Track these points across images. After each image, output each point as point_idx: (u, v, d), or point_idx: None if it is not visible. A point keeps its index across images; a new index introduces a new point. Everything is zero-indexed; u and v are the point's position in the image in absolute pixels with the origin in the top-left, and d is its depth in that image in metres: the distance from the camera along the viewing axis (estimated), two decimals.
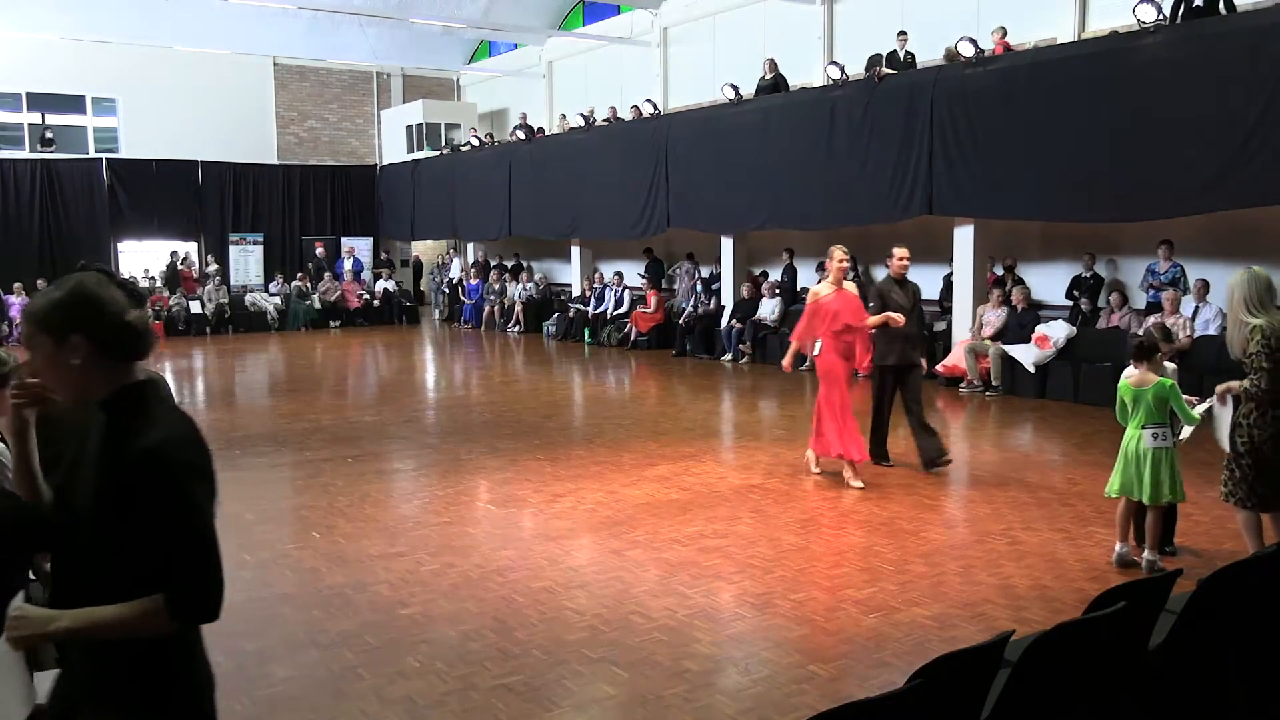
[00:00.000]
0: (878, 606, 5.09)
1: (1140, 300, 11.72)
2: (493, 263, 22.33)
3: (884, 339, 7.86)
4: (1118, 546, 5.71)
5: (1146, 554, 5.56)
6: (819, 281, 7.88)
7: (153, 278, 20.93)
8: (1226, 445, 5.27)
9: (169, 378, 14.90)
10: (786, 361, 7.95)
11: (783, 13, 17.43)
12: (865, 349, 7.76)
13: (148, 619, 2.06)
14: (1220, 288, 10.84)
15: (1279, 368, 4.99)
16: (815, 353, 7.76)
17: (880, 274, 14.92)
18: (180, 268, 21.71)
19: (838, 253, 7.70)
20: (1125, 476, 5.58)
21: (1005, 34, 12.76)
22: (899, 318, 7.61)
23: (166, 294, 20.51)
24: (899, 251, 8.09)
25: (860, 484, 7.44)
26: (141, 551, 2.05)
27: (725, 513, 6.86)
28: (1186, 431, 5.62)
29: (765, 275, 15.82)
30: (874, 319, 7.65)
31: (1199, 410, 5.57)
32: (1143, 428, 5.49)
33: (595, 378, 14.53)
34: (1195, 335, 10.58)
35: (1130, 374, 5.57)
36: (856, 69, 13.66)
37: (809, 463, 7.95)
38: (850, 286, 7.82)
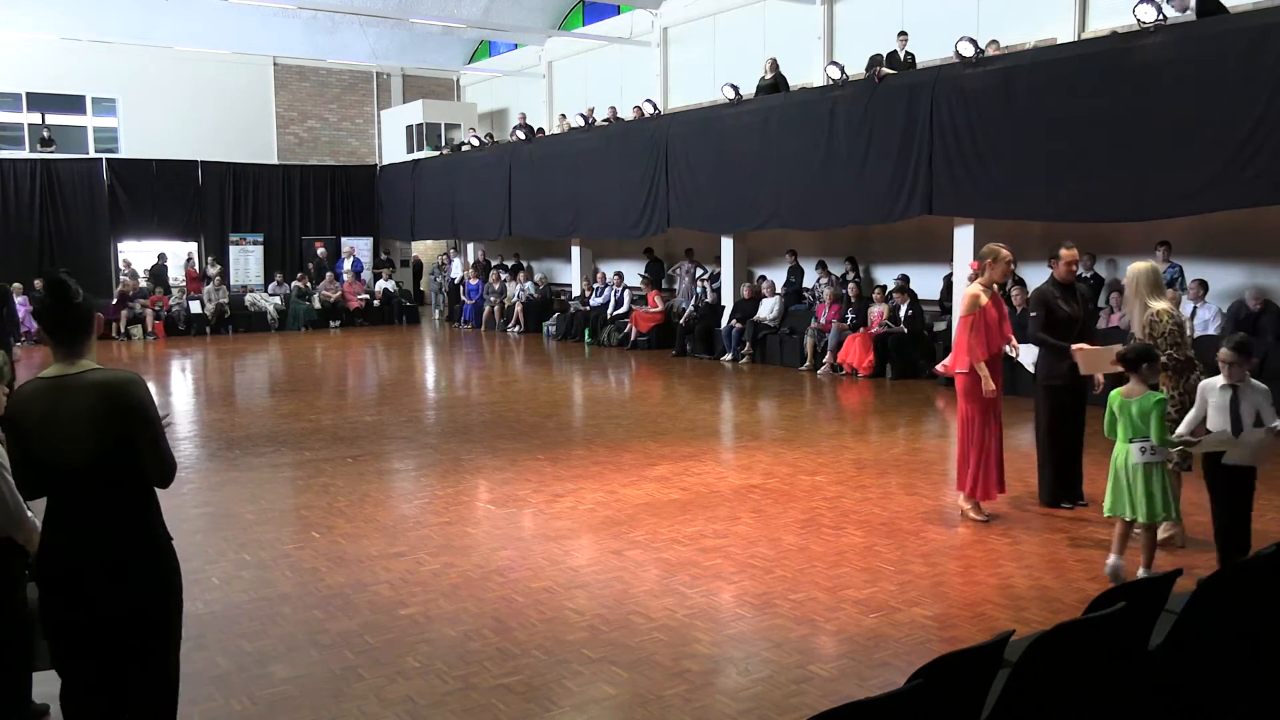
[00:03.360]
0: (878, 606, 5.09)
1: None
2: (493, 263, 22.33)
3: (1049, 354, 6.73)
4: (1111, 558, 5.40)
5: (1140, 572, 5.24)
6: (972, 282, 6.71)
7: (151, 277, 20.95)
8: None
9: (169, 377, 14.90)
10: (989, 387, 6.43)
11: (783, 13, 17.44)
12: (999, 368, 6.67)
13: None
14: (1219, 288, 10.89)
15: (1177, 344, 5.83)
16: (961, 369, 6.60)
17: (881, 275, 14.98)
18: (185, 267, 21.74)
19: (1005, 252, 6.57)
20: (1116, 494, 5.31)
21: (999, 47, 12.77)
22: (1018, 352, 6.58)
23: (161, 292, 20.53)
24: (1066, 252, 6.78)
25: (984, 517, 6.56)
26: None
27: (725, 513, 6.86)
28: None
29: (763, 279, 15.80)
30: (1009, 349, 6.61)
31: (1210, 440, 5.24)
32: (1130, 441, 5.22)
33: (595, 378, 14.52)
34: (1195, 335, 10.57)
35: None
36: (856, 69, 13.66)
37: (966, 511, 6.66)
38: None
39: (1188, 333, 6.10)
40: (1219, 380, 5.10)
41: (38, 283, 19.59)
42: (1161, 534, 5.88)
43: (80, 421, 2.90)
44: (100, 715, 3.08)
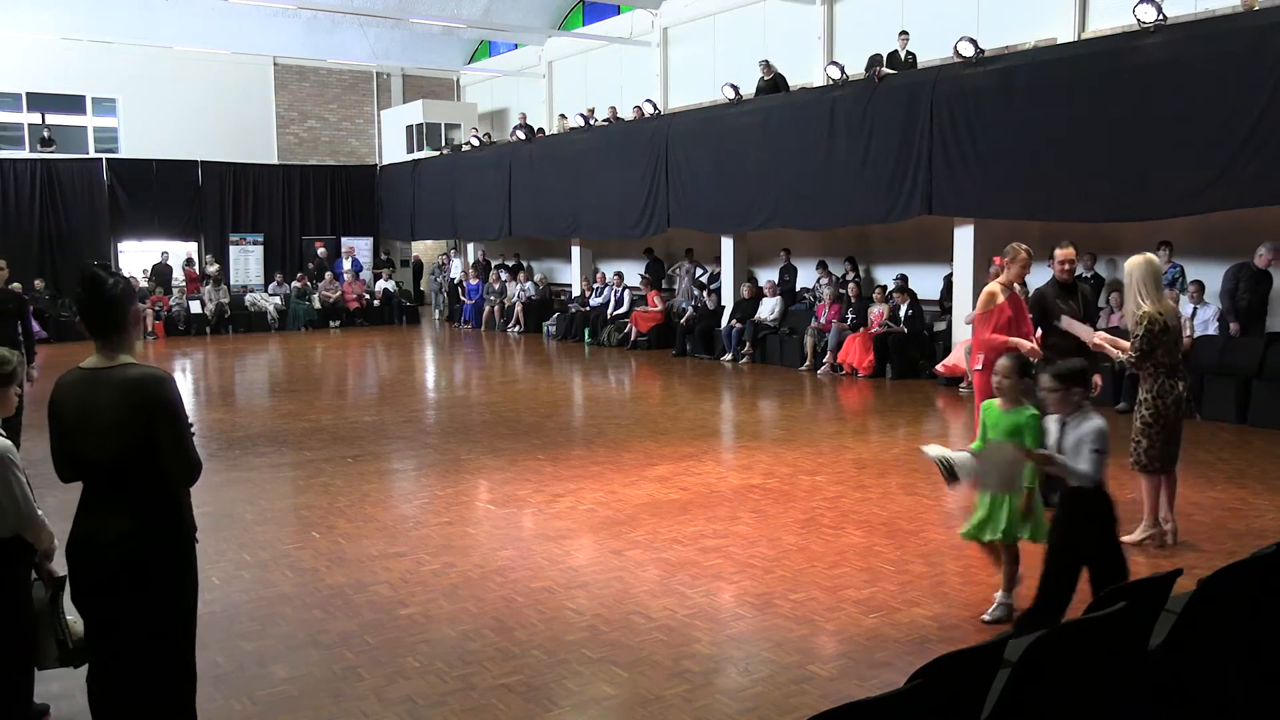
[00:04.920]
0: (878, 606, 5.09)
1: None
2: (493, 263, 22.33)
3: (1054, 356, 6.23)
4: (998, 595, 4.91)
5: (998, 595, 4.89)
6: (994, 280, 6.75)
7: (151, 278, 20.95)
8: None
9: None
10: (1030, 345, 6.43)
11: (783, 13, 17.43)
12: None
13: None
14: (1219, 289, 10.88)
15: (1155, 347, 5.78)
16: (978, 366, 6.58)
17: (881, 275, 14.98)
18: (185, 268, 21.75)
19: (1023, 253, 6.57)
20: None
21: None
22: (1027, 344, 6.41)
23: (161, 292, 20.53)
24: (1060, 252, 6.72)
25: None
26: None
27: (725, 513, 6.86)
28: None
29: (752, 275, 15.82)
30: (1012, 340, 6.49)
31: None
32: None
33: (595, 378, 14.52)
34: (1195, 335, 10.58)
35: None
36: (856, 69, 13.66)
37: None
38: (1019, 290, 6.79)
39: (1178, 335, 6.02)
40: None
41: (38, 282, 19.63)
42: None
43: (108, 416, 2.99)
44: (120, 699, 3.13)
